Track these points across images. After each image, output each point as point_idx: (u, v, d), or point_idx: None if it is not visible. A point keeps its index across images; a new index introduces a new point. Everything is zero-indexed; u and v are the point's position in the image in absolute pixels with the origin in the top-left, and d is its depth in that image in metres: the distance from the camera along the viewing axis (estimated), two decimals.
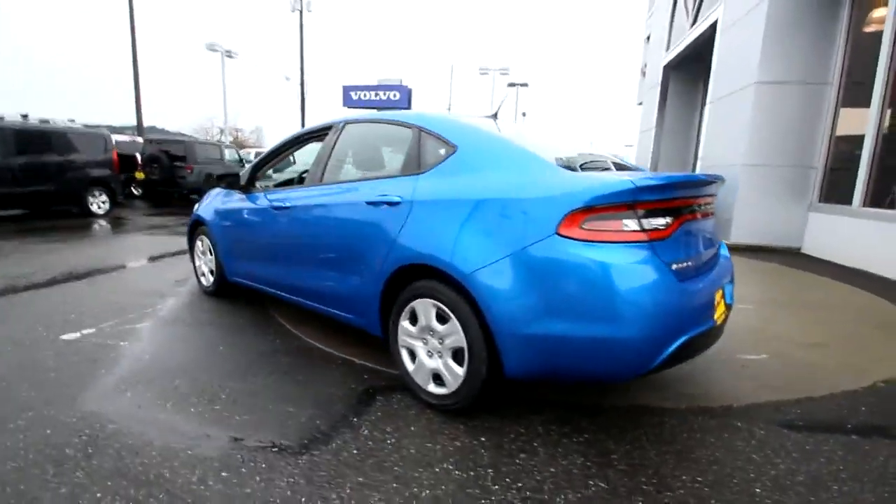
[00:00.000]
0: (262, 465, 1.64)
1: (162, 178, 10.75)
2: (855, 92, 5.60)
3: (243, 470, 1.61)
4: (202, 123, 37.45)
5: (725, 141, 7.10)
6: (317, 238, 2.52)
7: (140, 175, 10.92)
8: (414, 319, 2.08)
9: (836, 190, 5.82)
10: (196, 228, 3.83)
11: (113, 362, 2.45)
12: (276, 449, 1.74)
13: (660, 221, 1.67)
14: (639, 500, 1.49)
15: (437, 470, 1.64)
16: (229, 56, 20.99)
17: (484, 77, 28.47)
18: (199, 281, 3.87)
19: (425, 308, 1.99)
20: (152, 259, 5.20)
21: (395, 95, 34.21)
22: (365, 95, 33.97)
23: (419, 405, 2.08)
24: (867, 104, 5.22)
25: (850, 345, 2.89)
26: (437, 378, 2.02)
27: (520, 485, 1.56)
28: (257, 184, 3.34)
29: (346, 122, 2.69)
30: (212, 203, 3.64)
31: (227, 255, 3.39)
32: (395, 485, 1.56)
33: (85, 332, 2.88)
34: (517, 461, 1.69)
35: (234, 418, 1.95)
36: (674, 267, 1.68)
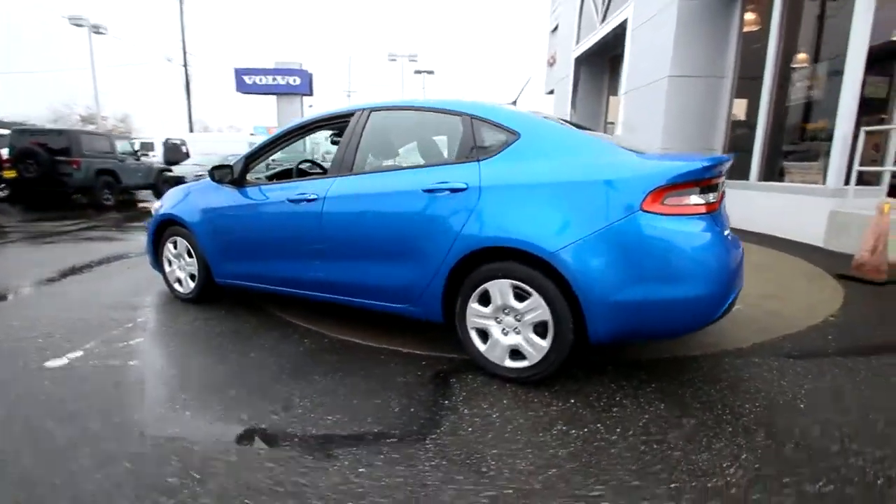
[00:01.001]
0: (393, 455, 1.65)
1: (41, 176, 9.10)
2: (747, 84, 6.68)
3: (378, 462, 1.61)
4: (59, 111, 31.92)
5: (641, 128, 7.99)
6: (358, 230, 2.46)
7: (9, 174, 9.14)
8: (485, 300, 2.17)
9: (735, 167, 6.92)
10: (164, 230, 3.43)
11: (138, 384, 2.18)
12: (394, 439, 1.75)
13: (711, 196, 1.96)
14: (727, 427, 1.79)
15: (556, 432, 1.78)
16: (97, 32, 18.12)
17: (392, 63, 28.13)
18: (172, 288, 3.49)
19: (501, 288, 2.10)
20: (79, 270, 4.49)
21: (294, 80, 32.27)
22: (261, 80, 31.54)
23: (496, 381, 2.19)
24: (756, 94, 6.27)
25: (792, 293, 3.58)
26: (514, 353, 2.15)
27: (631, 431, 1.78)
28: (249, 177, 3.11)
29: (371, 110, 2.63)
30: (191, 200, 3.29)
31: (218, 256, 3.11)
32: (529, 450, 1.67)
33: (71, 356, 2.49)
34: (614, 414, 1.90)
35: (327, 418, 1.89)
36: (725, 234, 1.99)
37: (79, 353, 2.52)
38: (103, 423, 1.84)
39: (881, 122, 4.94)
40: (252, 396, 2.06)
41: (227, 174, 3.00)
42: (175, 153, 17.06)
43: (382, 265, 2.42)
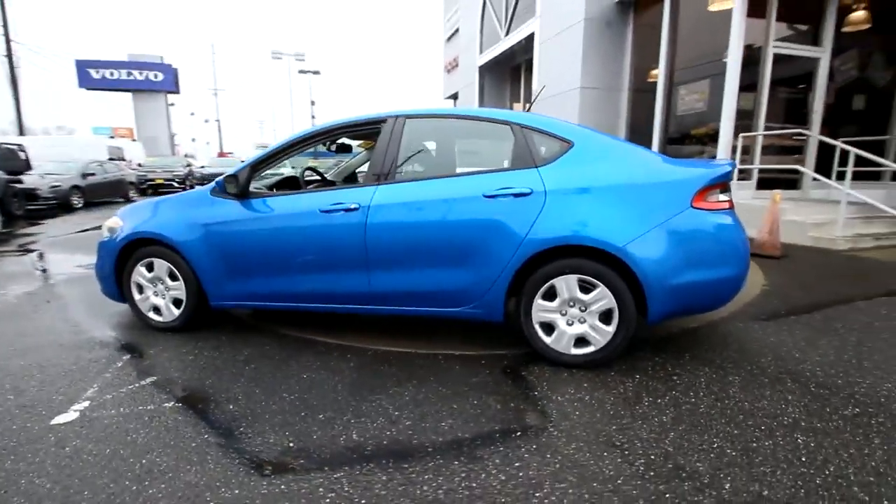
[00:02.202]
0: (533, 446, 1.75)
1: None
2: (641, 96, 7.82)
3: (525, 455, 1.70)
4: None
5: None
6: (413, 238, 2.45)
7: None
8: (550, 296, 2.35)
9: None
10: (134, 251, 2.96)
11: (201, 426, 1.92)
12: (519, 432, 1.84)
13: (729, 194, 2.40)
14: (763, 379, 2.23)
15: (647, 403, 2.04)
16: None
17: (277, 62, 26.42)
18: (146, 318, 3.03)
19: (568, 283, 2.30)
20: None
21: (156, 76, 28.78)
22: (112, 74, 27.60)
23: (561, 369, 2.38)
24: (651, 104, 7.39)
25: None
26: (578, 341, 2.36)
27: (702, 393, 2.11)
28: (252, 188, 2.86)
29: (406, 117, 2.62)
30: (171, 215, 2.89)
31: (220, 277, 2.79)
32: (639, 422, 1.90)
33: (78, 408, 2.07)
34: (678, 382, 2.23)
35: (441, 425, 1.90)
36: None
37: (84, 404, 2.11)
38: (202, 474, 1.62)
39: (750, 128, 6.25)
40: (345, 416, 1.97)
41: (227, 186, 2.72)
42: (12, 160, 13.92)
43: (441, 271, 2.45)
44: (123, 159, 19.21)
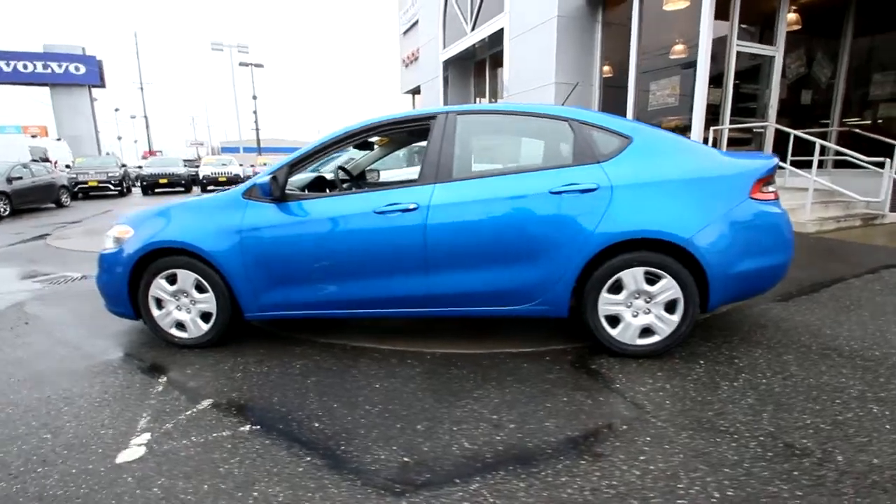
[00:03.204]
0: (647, 439, 1.78)
1: None
2: (610, 90, 8.12)
3: (646, 448, 1.72)
4: None
5: None
6: (477, 237, 2.39)
7: None
8: (616, 289, 2.39)
9: None
10: (150, 263, 2.68)
11: (297, 454, 1.78)
12: (625, 427, 1.87)
13: (775, 185, 2.54)
14: (812, 356, 2.40)
15: (725, 387, 2.14)
16: None
17: (212, 55, 24.82)
18: (167, 335, 2.77)
19: (636, 275, 2.35)
20: None
21: (77, 68, 26.25)
22: (26, 67, 24.82)
23: (628, 360, 2.43)
24: (622, 100, 7.70)
25: None
26: (643, 332, 2.43)
27: (769, 373, 2.24)
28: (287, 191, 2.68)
29: (457, 113, 2.55)
30: (193, 221, 2.65)
31: (257, 287, 2.59)
32: (729, 405, 1.99)
33: (138, 441, 1.86)
34: (741, 365, 2.35)
35: (545, 425, 1.89)
36: None
37: (145, 437, 1.89)
38: (329, 500, 1.51)
39: (716, 121, 6.71)
40: (444, 424, 1.91)
41: (268, 190, 2.52)
42: None
43: (505, 270, 2.42)
44: (48, 160, 17.35)
